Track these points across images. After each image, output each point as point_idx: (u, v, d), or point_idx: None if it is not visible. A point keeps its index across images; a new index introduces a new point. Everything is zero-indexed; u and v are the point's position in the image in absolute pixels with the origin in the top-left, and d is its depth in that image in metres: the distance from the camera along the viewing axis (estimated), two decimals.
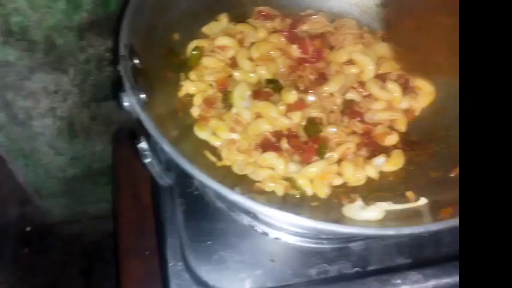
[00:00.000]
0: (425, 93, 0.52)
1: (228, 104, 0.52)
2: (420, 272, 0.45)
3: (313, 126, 0.50)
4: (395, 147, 0.50)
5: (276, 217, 0.34)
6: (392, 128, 0.51)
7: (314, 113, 0.51)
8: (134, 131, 0.44)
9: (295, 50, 0.55)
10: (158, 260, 0.57)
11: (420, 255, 0.48)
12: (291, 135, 0.50)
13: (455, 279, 0.44)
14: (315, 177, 0.46)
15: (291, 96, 0.51)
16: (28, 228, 1.05)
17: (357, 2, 0.58)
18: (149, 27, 0.49)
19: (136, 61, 0.46)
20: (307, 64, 0.54)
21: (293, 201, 0.45)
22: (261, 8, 0.58)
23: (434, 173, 0.46)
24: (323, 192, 0.46)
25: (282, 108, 0.50)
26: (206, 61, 0.54)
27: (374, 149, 0.50)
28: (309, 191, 0.46)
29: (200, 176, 0.37)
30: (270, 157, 0.47)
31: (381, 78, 0.53)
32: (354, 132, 0.50)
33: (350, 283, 0.46)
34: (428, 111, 0.52)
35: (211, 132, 0.50)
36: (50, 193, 0.96)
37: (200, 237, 0.50)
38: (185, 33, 0.55)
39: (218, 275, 0.48)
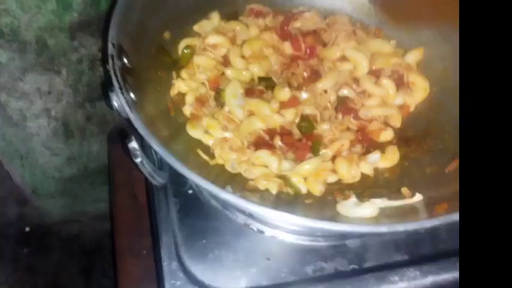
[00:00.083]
0: (419, 89, 0.51)
1: (220, 102, 0.51)
2: (418, 268, 0.45)
3: (307, 123, 0.50)
4: (390, 143, 0.49)
5: (267, 215, 0.34)
6: (386, 124, 0.51)
7: (308, 110, 0.51)
8: (125, 130, 0.43)
9: (287, 47, 0.55)
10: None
11: (417, 251, 0.47)
12: (285, 133, 0.49)
13: (452, 275, 0.44)
14: (309, 175, 0.46)
15: (284, 93, 0.50)
16: (27, 229, 1.05)
17: None
18: (139, 26, 0.49)
19: (125, 60, 0.45)
20: (300, 61, 0.54)
21: (287, 199, 0.45)
22: (252, 5, 0.57)
23: (430, 168, 0.46)
24: (317, 189, 0.45)
25: (275, 105, 0.50)
26: (197, 60, 0.53)
27: (369, 145, 0.49)
28: (303, 189, 0.45)
29: (190, 175, 0.36)
30: (263, 155, 0.47)
31: (375, 74, 0.52)
32: (348, 129, 0.50)
33: (346, 280, 0.45)
34: (422, 107, 0.52)
35: (203, 131, 0.49)
36: (48, 193, 0.96)
37: (195, 236, 0.50)
38: (177, 32, 0.54)
39: (213, 274, 0.47)
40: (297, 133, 0.50)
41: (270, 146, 0.48)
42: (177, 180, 0.53)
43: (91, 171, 0.93)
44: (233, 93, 0.50)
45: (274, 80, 0.53)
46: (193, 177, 0.36)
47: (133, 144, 0.42)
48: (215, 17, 0.56)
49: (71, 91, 0.73)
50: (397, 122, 0.51)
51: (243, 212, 0.49)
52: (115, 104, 0.42)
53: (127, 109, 0.40)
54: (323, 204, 0.44)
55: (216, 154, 0.48)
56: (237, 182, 0.46)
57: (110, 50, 0.43)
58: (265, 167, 0.47)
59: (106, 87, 0.43)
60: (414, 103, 0.52)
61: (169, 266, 0.49)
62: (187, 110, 0.51)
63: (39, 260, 1.05)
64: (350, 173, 0.46)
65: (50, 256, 1.07)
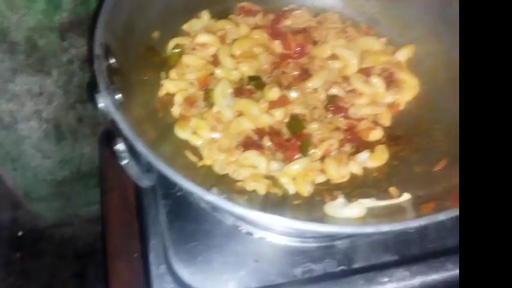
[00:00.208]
0: (409, 87, 0.51)
1: (209, 103, 0.51)
2: (407, 269, 0.44)
3: (296, 122, 0.49)
4: (379, 142, 0.49)
5: (251, 217, 0.34)
6: (376, 122, 0.50)
7: (297, 110, 0.50)
8: (113, 132, 0.43)
9: (278, 46, 0.54)
10: None
11: (406, 251, 0.47)
12: (274, 133, 0.49)
13: (441, 275, 0.43)
14: (297, 175, 0.46)
15: (273, 93, 0.50)
16: (20, 233, 1.04)
17: None
18: (127, 25, 0.48)
19: (112, 60, 0.45)
20: (290, 60, 0.54)
21: (275, 200, 0.44)
22: (243, 3, 0.57)
23: (418, 167, 0.45)
24: (306, 190, 0.45)
25: (264, 105, 0.49)
26: (187, 59, 0.53)
27: (359, 144, 0.49)
28: (292, 190, 0.45)
29: (174, 176, 0.36)
30: (252, 155, 0.46)
31: (365, 72, 0.52)
32: (338, 128, 0.49)
33: (335, 282, 0.45)
34: (412, 105, 0.51)
35: (191, 132, 0.49)
36: (40, 197, 0.95)
37: (184, 239, 0.50)
38: (166, 31, 0.54)
39: (202, 277, 0.47)
40: (286, 133, 0.49)
41: (258, 147, 0.48)
42: (166, 182, 0.52)
43: (83, 174, 0.92)
44: (222, 93, 0.50)
45: (263, 80, 0.52)
46: (178, 179, 0.36)
47: (119, 147, 0.42)
48: (205, 16, 0.56)
49: (62, 92, 0.73)
50: (387, 121, 0.50)
51: (231, 213, 0.48)
52: (101, 105, 0.41)
53: (112, 110, 0.39)
54: (310, 204, 0.43)
55: (204, 155, 0.47)
56: (225, 184, 0.46)
57: (97, 50, 0.43)
58: (254, 168, 0.46)
59: (91, 89, 0.43)
60: (404, 101, 0.51)
61: (157, 269, 0.49)
62: (176, 111, 0.50)
63: (33, 264, 1.04)
64: (338, 173, 0.45)
65: (43, 260, 1.06)
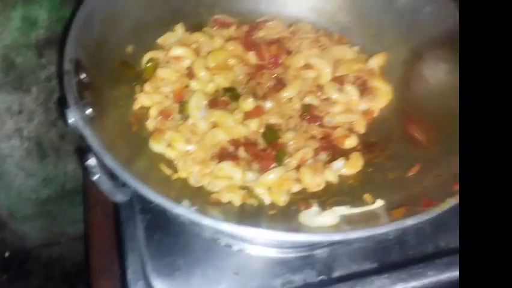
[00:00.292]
0: (382, 94, 0.51)
1: (184, 115, 0.51)
2: (387, 276, 0.43)
3: (271, 132, 0.49)
4: (354, 149, 0.49)
5: (221, 228, 0.33)
6: (351, 130, 0.50)
7: (273, 120, 0.50)
8: (82, 148, 0.43)
9: (252, 57, 0.55)
10: None
11: (386, 259, 0.46)
12: (249, 143, 0.49)
13: (421, 282, 0.43)
14: (273, 185, 0.45)
15: (248, 103, 0.50)
16: (7, 254, 1.03)
17: (313, 5, 0.58)
18: (100, 40, 0.49)
19: (83, 75, 0.44)
20: (265, 70, 0.54)
21: (250, 211, 0.44)
22: (216, 16, 0.57)
23: (392, 173, 0.45)
24: (281, 199, 0.44)
25: (238, 116, 0.49)
26: (161, 72, 0.53)
27: (334, 152, 0.49)
28: (267, 200, 0.45)
29: (143, 189, 0.36)
30: (227, 166, 0.46)
31: (338, 81, 0.52)
32: (313, 137, 0.49)
33: None
34: (386, 111, 0.52)
35: (166, 145, 0.48)
36: (25, 216, 0.94)
37: (162, 254, 0.49)
38: (140, 45, 0.54)
39: None
40: (261, 143, 0.49)
41: (234, 157, 0.47)
42: (143, 196, 0.52)
43: (68, 192, 0.91)
44: (196, 105, 0.50)
45: (238, 91, 0.52)
46: (146, 192, 0.35)
47: (91, 162, 0.41)
48: (179, 29, 0.56)
49: (43, 110, 0.72)
50: (361, 128, 0.50)
51: (201, 226, 0.48)
52: (71, 120, 0.41)
53: (81, 126, 0.39)
54: (286, 215, 0.43)
55: (179, 167, 0.47)
56: (201, 196, 0.45)
57: (66, 65, 0.43)
58: (229, 179, 0.46)
59: (62, 104, 0.43)
60: (378, 108, 0.51)
61: (135, 285, 0.48)
62: (151, 124, 0.50)
63: (20, 285, 1.03)
64: (314, 181, 0.45)
65: (31, 281, 1.04)
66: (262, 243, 0.47)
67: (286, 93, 0.52)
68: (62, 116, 0.42)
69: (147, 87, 0.52)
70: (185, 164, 0.47)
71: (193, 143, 0.48)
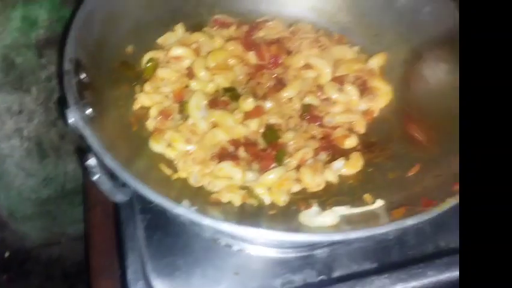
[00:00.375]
0: (382, 94, 0.51)
1: (184, 115, 0.51)
2: (387, 276, 0.43)
3: (271, 132, 0.49)
4: (354, 149, 0.49)
5: (220, 228, 0.33)
6: (351, 130, 0.50)
7: (273, 120, 0.50)
8: (82, 148, 0.43)
9: (252, 57, 0.55)
10: None
11: (386, 259, 0.46)
12: (249, 143, 0.49)
13: (421, 282, 0.43)
14: (273, 185, 0.45)
15: (248, 103, 0.50)
16: (7, 254, 1.02)
17: (313, 6, 0.58)
18: (100, 40, 0.49)
19: (83, 75, 0.44)
20: (265, 70, 0.54)
21: (250, 211, 0.44)
22: (216, 16, 0.57)
23: (392, 173, 0.45)
24: (281, 199, 0.44)
25: (238, 116, 0.49)
26: (161, 72, 0.53)
27: (334, 152, 0.49)
28: (267, 200, 0.45)
29: (143, 189, 0.36)
30: (227, 166, 0.46)
31: (338, 81, 0.52)
32: (313, 137, 0.49)
33: None
34: (386, 111, 0.52)
35: (166, 145, 0.48)
36: (26, 216, 0.94)
37: (162, 254, 0.49)
38: (140, 45, 0.54)
39: None
40: (261, 143, 0.49)
41: (234, 157, 0.47)
42: (143, 196, 0.52)
43: (68, 191, 0.91)
44: (196, 105, 0.50)
45: (238, 91, 0.52)
46: (145, 192, 0.35)
47: (91, 162, 0.41)
48: (179, 29, 0.56)
49: (43, 110, 0.72)
50: (361, 128, 0.50)
51: (201, 226, 0.48)
52: (71, 120, 0.41)
53: (81, 126, 0.39)
54: (286, 215, 0.43)
55: (179, 167, 0.47)
56: (201, 196, 0.45)
57: (66, 65, 0.43)
58: (229, 179, 0.46)
59: (62, 105, 0.43)
60: (378, 108, 0.51)
61: (135, 285, 0.48)
62: (151, 124, 0.50)
63: (20, 285, 1.02)
64: (314, 181, 0.45)
65: (31, 281, 1.04)
66: (262, 243, 0.47)
67: (286, 93, 0.52)
68: (62, 116, 0.42)
69: (147, 87, 0.52)
70: (185, 164, 0.47)
71: (193, 143, 0.48)
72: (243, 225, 0.32)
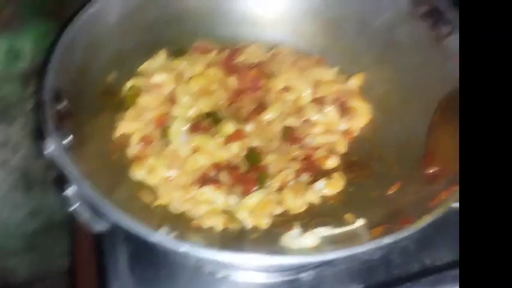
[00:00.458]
0: (361, 113, 0.52)
1: (166, 141, 0.51)
2: None
3: (253, 155, 0.49)
4: (336, 169, 0.49)
5: (196, 254, 0.32)
6: (332, 150, 0.51)
7: (254, 143, 0.50)
8: (58, 178, 0.42)
9: (233, 82, 0.55)
10: None
11: (372, 279, 0.45)
12: (231, 167, 0.48)
13: None
14: (255, 208, 0.45)
15: (229, 127, 0.50)
16: None
17: (293, 29, 0.59)
18: (82, 67, 0.49)
19: (64, 104, 0.45)
20: (246, 94, 0.54)
21: (232, 236, 0.43)
22: (197, 43, 0.58)
23: (373, 192, 0.45)
24: (263, 222, 0.44)
25: (219, 140, 0.49)
26: (143, 100, 0.53)
27: (316, 173, 0.49)
28: (249, 224, 0.44)
29: (119, 218, 0.35)
30: (208, 191, 0.46)
31: (318, 102, 0.53)
32: (294, 158, 0.49)
33: None
34: (366, 130, 0.52)
35: (147, 172, 0.48)
36: (12, 251, 0.92)
37: (145, 285, 0.48)
38: (123, 73, 0.54)
39: None
40: (243, 166, 0.49)
41: (215, 182, 0.47)
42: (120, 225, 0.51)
43: (55, 224, 0.89)
44: (177, 131, 0.50)
45: (219, 115, 0.53)
46: (123, 220, 0.35)
47: (68, 192, 0.41)
48: (162, 56, 0.57)
49: (28, 141, 0.72)
50: (342, 148, 0.51)
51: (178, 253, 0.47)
52: (48, 151, 0.41)
53: (58, 156, 0.39)
54: (268, 238, 0.42)
55: (160, 194, 0.46)
56: (182, 222, 0.45)
57: (46, 94, 0.43)
58: (211, 204, 0.45)
59: (38, 135, 0.43)
60: (358, 127, 0.52)
61: None
62: (132, 151, 0.50)
63: None
64: (296, 203, 0.45)
65: None
66: (245, 268, 0.46)
67: (267, 116, 0.52)
68: (39, 147, 0.42)
69: (128, 114, 0.52)
70: (166, 190, 0.46)
71: (175, 168, 0.48)
72: (220, 250, 0.31)
